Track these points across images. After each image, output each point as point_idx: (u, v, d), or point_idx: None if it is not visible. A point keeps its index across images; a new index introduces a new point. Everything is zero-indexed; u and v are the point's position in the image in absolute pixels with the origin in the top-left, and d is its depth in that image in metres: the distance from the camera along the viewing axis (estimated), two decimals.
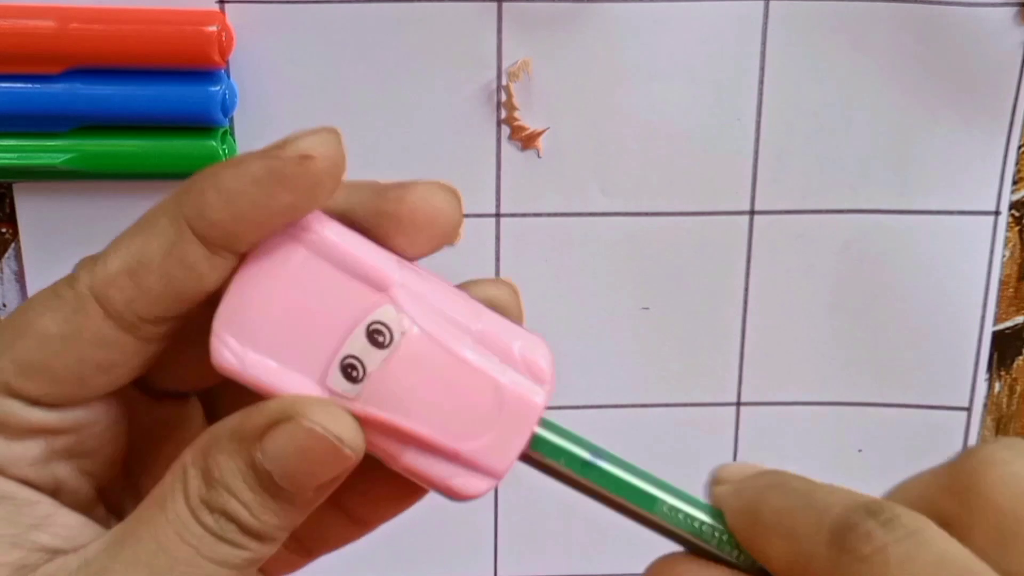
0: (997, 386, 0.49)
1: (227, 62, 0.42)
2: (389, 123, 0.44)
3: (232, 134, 0.43)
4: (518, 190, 0.45)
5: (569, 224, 0.46)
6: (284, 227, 0.22)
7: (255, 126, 0.43)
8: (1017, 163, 0.45)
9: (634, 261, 0.46)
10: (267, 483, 0.21)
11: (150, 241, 0.22)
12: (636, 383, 0.48)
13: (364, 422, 0.22)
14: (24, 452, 0.23)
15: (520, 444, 0.22)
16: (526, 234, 0.46)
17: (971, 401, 0.49)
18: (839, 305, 0.47)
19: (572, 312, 0.47)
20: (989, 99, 0.44)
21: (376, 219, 0.23)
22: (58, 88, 0.41)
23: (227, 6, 0.42)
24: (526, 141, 0.44)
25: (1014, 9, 0.43)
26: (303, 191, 0.21)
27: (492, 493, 0.49)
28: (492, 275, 0.46)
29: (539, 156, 0.45)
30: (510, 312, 0.24)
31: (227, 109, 0.42)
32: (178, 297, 0.22)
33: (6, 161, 0.42)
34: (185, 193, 0.22)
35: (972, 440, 0.49)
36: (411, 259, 0.23)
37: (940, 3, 0.43)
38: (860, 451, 0.50)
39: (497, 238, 0.46)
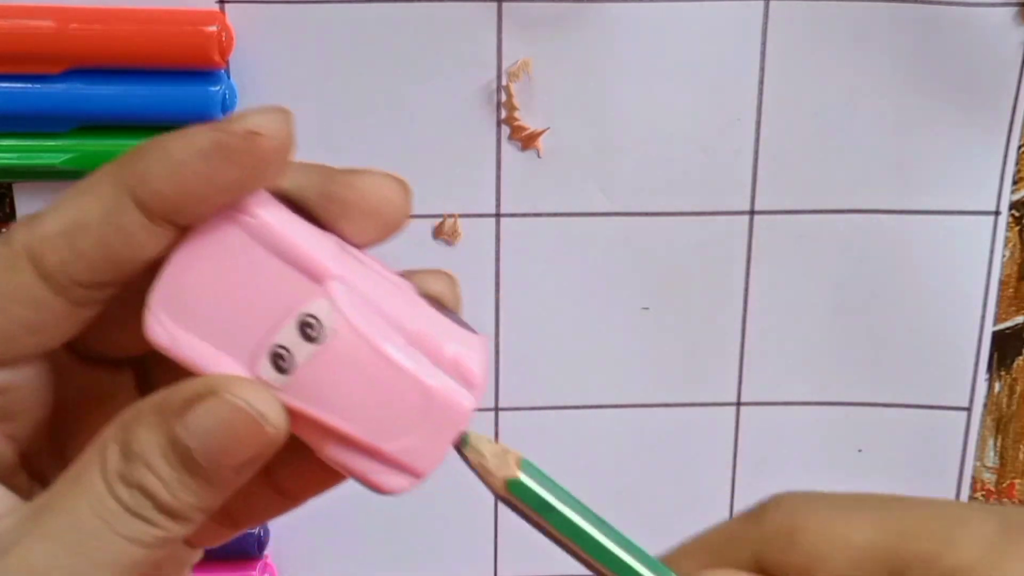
0: (997, 386, 0.49)
1: (227, 62, 0.42)
2: (389, 123, 0.44)
3: None
4: (518, 190, 0.45)
5: (569, 224, 0.46)
6: (228, 206, 0.22)
7: None
8: (1017, 163, 0.45)
9: (634, 261, 0.46)
10: (186, 460, 0.21)
11: (90, 204, 0.21)
12: (636, 383, 0.48)
13: (289, 412, 0.22)
14: None
15: (445, 446, 0.23)
16: (526, 234, 0.46)
17: (971, 401, 0.49)
18: (839, 305, 0.47)
19: (572, 312, 0.47)
20: (989, 99, 0.44)
21: (324, 202, 0.23)
22: (58, 88, 0.41)
23: (227, 6, 0.42)
24: (526, 141, 0.44)
25: (1014, 9, 0.43)
26: (249, 167, 0.21)
27: (492, 492, 0.49)
28: (492, 275, 0.46)
29: (539, 156, 0.45)
30: (448, 303, 0.24)
31: (227, 109, 0.42)
32: (113, 263, 0.22)
33: (6, 161, 0.42)
34: (130, 159, 0.21)
35: (972, 440, 0.49)
36: (357, 247, 0.23)
37: (940, 3, 0.43)
38: (860, 451, 0.50)
39: (497, 238, 0.46)
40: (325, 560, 0.49)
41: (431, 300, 0.24)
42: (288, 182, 0.23)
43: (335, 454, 0.22)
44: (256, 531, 0.47)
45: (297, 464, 0.24)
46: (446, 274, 0.25)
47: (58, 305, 0.22)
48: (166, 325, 0.22)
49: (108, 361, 0.25)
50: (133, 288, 0.22)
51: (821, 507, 0.22)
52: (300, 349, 0.22)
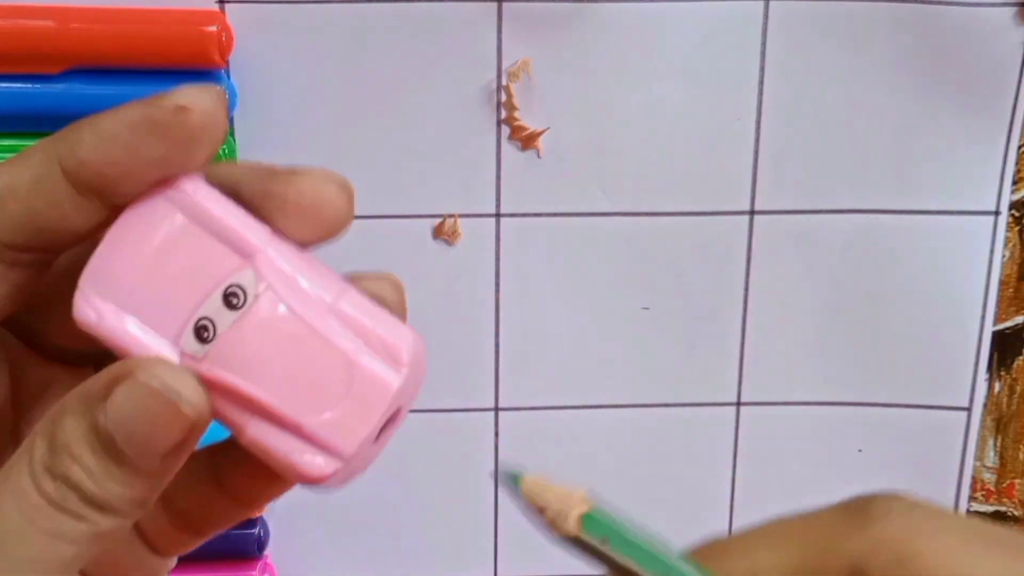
0: (997, 386, 0.49)
1: (227, 62, 0.42)
2: (389, 123, 0.44)
3: (232, 134, 0.43)
4: (518, 190, 0.45)
5: (569, 224, 0.46)
6: (160, 186, 0.22)
7: (255, 126, 0.43)
8: (1017, 163, 0.45)
9: (634, 261, 0.46)
10: (110, 447, 0.20)
11: (21, 171, 0.22)
12: (636, 383, 0.48)
13: (210, 385, 0.21)
14: None
15: (369, 425, 0.21)
16: (526, 234, 0.46)
17: (971, 401, 0.49)
18: (839, 305, 0.47)
19: (572, 312, 0.47)
20: (989, 99, 0.44)
21: (262, 198, 0.22)
22: (58, 88, 0.41)
23: (227, 6, 0.42)
24: (526, 141, 0.44)
25: (1014, 9, 0.43)
26: (176, 142, 0.21)
27: (492, 492, 0.49)
28: (492, 275, 0.46)
29: (539, 156, 0.45)
30: (391, 307, 0.23)
31: (227, 109, 0.42)
32: (39, 230, 0.22)
33: None
34: (64, 132, 0.22)
35: (972, 440, 0.49)
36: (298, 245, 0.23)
37: (940, 3, 0.43)
38: (860, 451, 0.50)
39: (497, 238, 0.46)
40: (325, 560, 0.49)
41: (371, 298, 0.23)
42: (227, 177, 0.23)
43: (256, 434, 0.21)
44: (256, 531, 0.47)
45: (247, 468, 0.24)
46: (391, 278, 0.24)
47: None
48: (94, 303, 0.22)
49: (67, 358, 0.25)
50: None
51: (944, 531, 0.19)
52: (223, 319, 0.21)
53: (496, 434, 0.48)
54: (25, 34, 0.40)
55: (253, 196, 0.22)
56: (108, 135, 0.21)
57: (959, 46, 0.43)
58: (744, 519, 0.50)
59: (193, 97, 0.21)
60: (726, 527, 0.51)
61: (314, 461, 0.21)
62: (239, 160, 0.22)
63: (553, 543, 0.22)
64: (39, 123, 0.41)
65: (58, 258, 0.23)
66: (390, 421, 0.22)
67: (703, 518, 0.50)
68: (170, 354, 0.21)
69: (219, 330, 0.21)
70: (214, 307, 0.22)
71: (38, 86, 0.41)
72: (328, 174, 0.23)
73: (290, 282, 0.22)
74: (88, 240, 0.22)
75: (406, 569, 0.50)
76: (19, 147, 0.42)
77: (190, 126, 0.21)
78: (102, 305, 0.22)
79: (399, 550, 0.49)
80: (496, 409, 0.48)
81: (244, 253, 0.22)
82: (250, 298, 0.21)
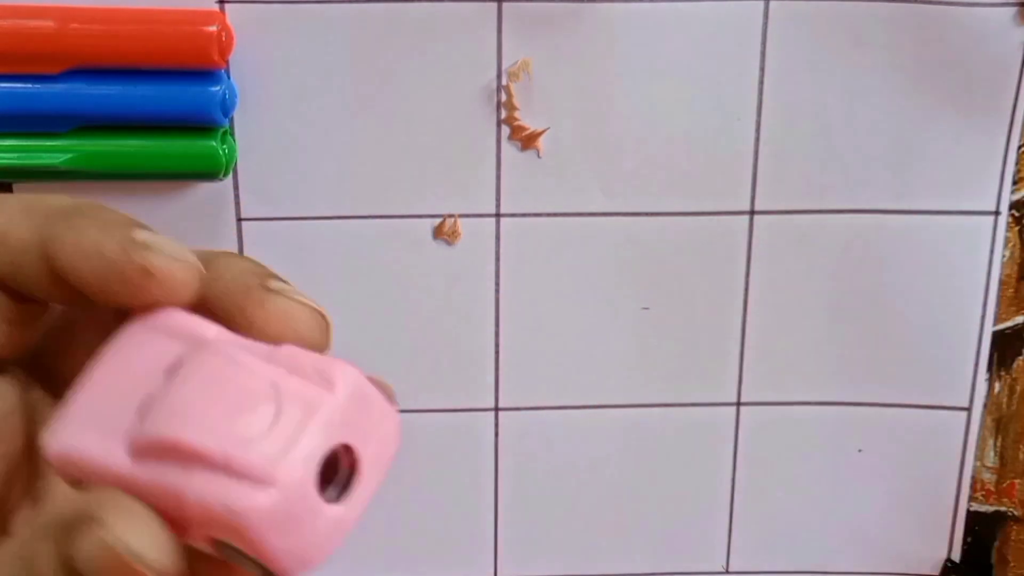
0: (997, 386, 0.49)
1: (227, 62, 0.42)
2: (389, 123, 0.44)
3: (232, 134, 0.43)
4: (518, 190, 0.45)
5: (569, 224, 0.46)
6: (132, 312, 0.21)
7: (255, 126, 0.43)
8: (1017, 163, 0.45)
9: (634, 261, 0.46)
10: None
11: (18, 228, 0.21)
12: (636, 383, 0.48)
13: (144, 453, 0.20)
14: None
15: (301, 445, 0.20)
16: (526, 234, 0.46)
17: (971, 401, 0.49)
18: (839, 305, 0.47)
19: (572, 312, 0.47)
20: (989, 99, 0.44)
21: (234, 315, 0.22)
22: (58, 88, 0.41)
23: (227, 6, 0.42)
24: (526, 141, 0.44)
25: (1014, 9, 0.43)
26: (136, 297, 0.21)
27: (492, 493, 0.49)
28: (492, 275, 0.46)
29: (539, 156, 0.45)
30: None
31: (227, 109, 0.42)
32: (21, 285, 0.22)
33: (6, 161, 0.42)
34: (60, 215, 0.21)
35: (972, 440, 0.49)
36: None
37: (940, 3, 0.43)
38: (860, 451, 0.50)
39: (497, 238, 0.46)
40: (325, 560, 0.49)
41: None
42: (207, 292, 0.22)
43: (194, 495, 0.19)
44: None
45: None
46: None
47: None
48: (58, 435, 0.21)
49: None
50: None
51: None
52: (160, 386, 0.21)
53: (496, 434, 0.48)
54: (25, 34, 0.40)
55: (227, 314, 0.22)
56: (84, 251, 0.21)
57: (959, 46, 0.43)
58: (744, 519, 0.50)
59: (162, 264, 0.21)
60: (726, 527, 0.51)
61: (244, 494, 0.19)
62: (221, 263, 0.22)
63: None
64: (39, 123, 0.41)
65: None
66: (352, 470, 0.20)
67: (703, 518, 0.50)
68: (121, 450, 0.20)
69: (155, 397, 0.21)
70: (156, 384, 0.21)
71: (38, 86, 0.41)
72: (302, 304, 0.22)
73: (228, 342, 0.21)
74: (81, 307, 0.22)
75: (406, 569, 0.50)
76: (19, 147, 0.42)
77: (150, 291, 0.21)
78: (65, 432, 0.21)
79: (399, 550, 0.49)
80: (496, 409, 0.48)
81: (198, 342, 0.21)
82: (187, 363, 0.21)
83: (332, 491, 0.20)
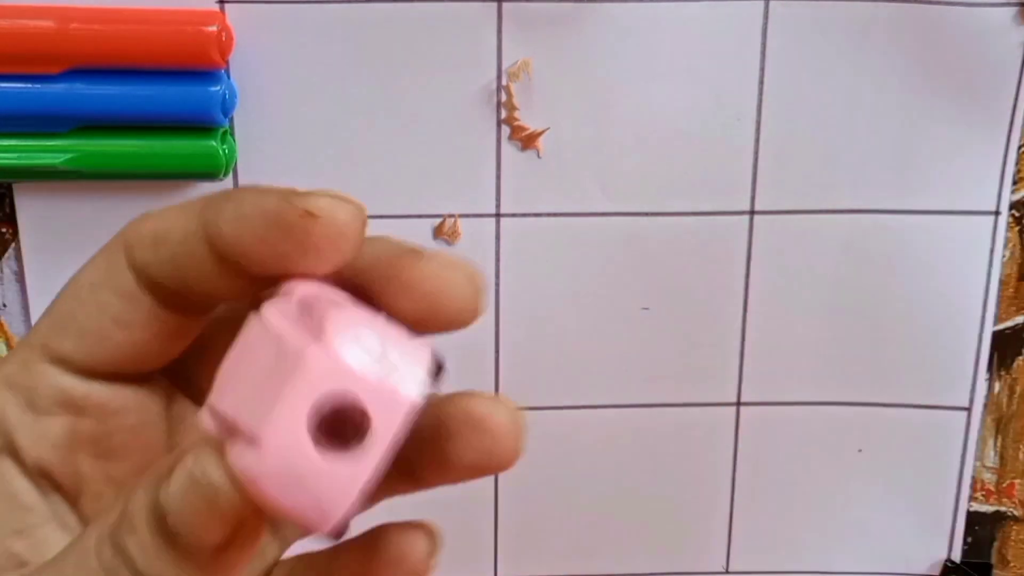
0: (997, 386, 0.49)
1: (227, 62, 0.42)
2: (389, 123, 0.44)
3: (232, 134, 0.43)
4: (518, 190, 0.45)
5: (569, 224, 0.46)
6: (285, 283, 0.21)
7: (255, 126, 0.43)
8: (1017, 163, 0.45)
9: (634, 261, 0.46)
10: (163, 527, 0.20)
11: (177, 219, 0.22)
12: (636, 383, 0.48)
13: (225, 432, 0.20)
14: (48, 429, 0.22)
15: (283, 404, 0.19)
16: (526, 234, 0.46)
17: (971, 401, 0.49)
18: (839, 305, 0.47)
19: (572, 312, 0.47)
20: (989, 99, 0.44)
21: (385, 284, 0.22)
22: (58, 88, 0.41)
23: (227, 6, 0.42)
24: (526, 141, 0.44)
25: (1014, 9, 0.43)
26: (299, 247, 0.20)
27: (492, 492, 0.49)
28: (492, 275, 0.46)
29: (539, 156, 0.45)
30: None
31: (227, 109, 0.42)
32: (184, 280, 0.22)
33: (6, 161, 0.42)
34: (215, 196, 0.21)
35: (972, 440, 0.49)
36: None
37: (940, 3, 0.43)
38: (860, 451, 0.50)
39: (497, 238, 0.46)
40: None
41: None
42: (356, 265, 0.22)
43: (231, 459, 0.19)
44: None
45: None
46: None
47: (145, 303, 0.22)
48: (212, 412, 0.20)
49: (132, 379, 0.25)
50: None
51: None
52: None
53: None
54: (25, 34, 0.40)
55: (380, 277, 0.22)
56: (245, 215, 0.21)
57: (959, 46, 0.43)
58: (744, 519, 0.50)
59: (325, 205, 0.20)
60: (726, 527, 0.51)
61: (240, 455, 0.19)
62: (374, 237, 0.22)
63: None
64: (39, 123, 0.41)
65: (214, 310, 0.23)
66: (364, 421, 0.19)
67: (703, 518, 0.50)
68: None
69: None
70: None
71: (38, 86, 0.41)
72: (454, 261, 0.22)
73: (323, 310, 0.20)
74: (241, 298, 0.22)
75: None
76: (19, 147, 0.42)
77: (314, 234, 0.20)
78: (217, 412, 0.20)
79: None
80: None
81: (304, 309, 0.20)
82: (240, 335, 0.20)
83: (337, 448, 0.20)
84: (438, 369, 0.21)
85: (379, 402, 0.19)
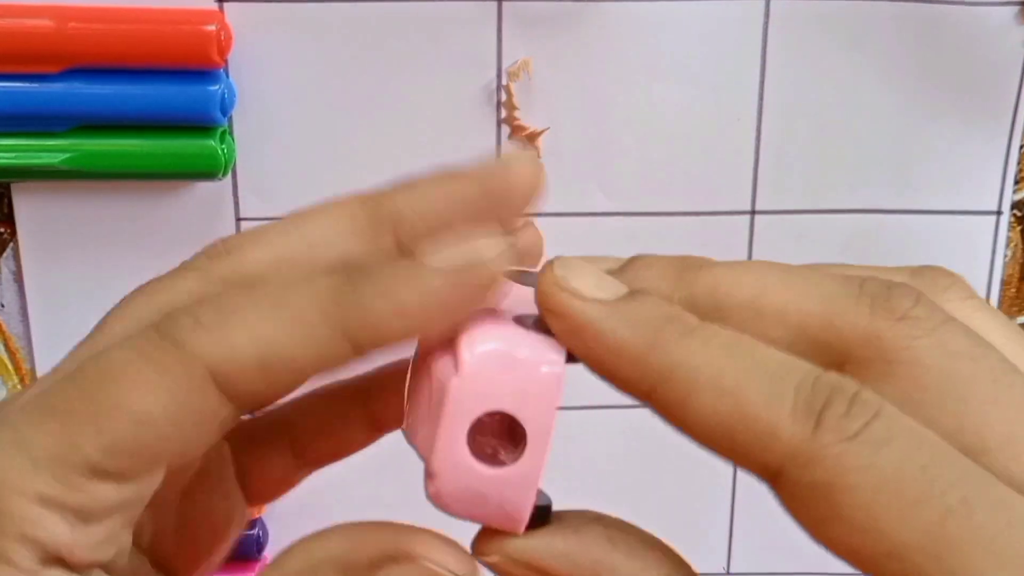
0: None
1: (226, 62, 0.42)
2: (389, 123, 0.44)
3: (231, 133, 0.43)
4: None
5: (569, 224, 0.46)
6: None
7: (254, 126, 0.43)
8: (1018, 163, 0.45)
9: None
10: None
11: (292, 333, 0.19)
12: None
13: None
14: (93, 534, 0.19)
15: (446, 433, 0.20)
16: None
17: None
18: None
19: None
20: (990, 99, 0.44)
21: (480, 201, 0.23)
22: (57, 88, 0.41)
23: (226, 6, 0.42)
24: (526, 141, 0.44)
25: (1014, 9, 0.43)
26: (480, 294, 0.21)
27: None
28: None
29: (539, 156, 0.44)
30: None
31: (226, 109, 0.42)
32: (306, 384, 0.20)
33: (5, 161, 0.42)
34: (345, 289, 0.19)
35: None
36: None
37: (940, 3, 0.43)
38: None
39: None
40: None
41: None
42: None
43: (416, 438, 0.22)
44: (255, 532, 0.47)
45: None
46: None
47: (233, 419, 0.20)
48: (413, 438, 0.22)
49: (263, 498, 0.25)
50: None
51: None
52: None
53: None
54: (25, 34, 0.40)
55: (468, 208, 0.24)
56: (408, 302, 0.20)
57: (959, 46, 0.43)
58: (744, 519, 0.50)
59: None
60: (726, 527, 0.51)
61: (429, 486, 0.21)
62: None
63: None
64: (38, 123, 0.41)
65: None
66: (516, 429, 0.21)
67: (703, 518, 0.50)
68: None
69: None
70: None
71: (37, 86, 0.41)
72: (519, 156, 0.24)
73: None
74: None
75: None
76: (18, 147, 0.42)
77: (491, 279, 0.21)
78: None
79: None
80: None
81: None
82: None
83: (505, 455, 0.22)
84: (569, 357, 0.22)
85: (526, 406, 0.22)
